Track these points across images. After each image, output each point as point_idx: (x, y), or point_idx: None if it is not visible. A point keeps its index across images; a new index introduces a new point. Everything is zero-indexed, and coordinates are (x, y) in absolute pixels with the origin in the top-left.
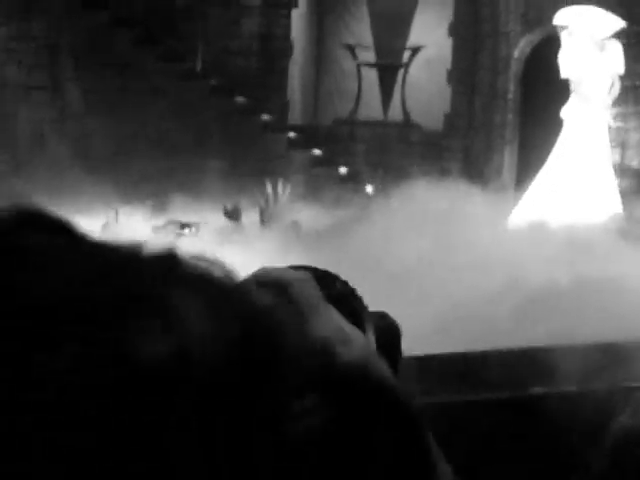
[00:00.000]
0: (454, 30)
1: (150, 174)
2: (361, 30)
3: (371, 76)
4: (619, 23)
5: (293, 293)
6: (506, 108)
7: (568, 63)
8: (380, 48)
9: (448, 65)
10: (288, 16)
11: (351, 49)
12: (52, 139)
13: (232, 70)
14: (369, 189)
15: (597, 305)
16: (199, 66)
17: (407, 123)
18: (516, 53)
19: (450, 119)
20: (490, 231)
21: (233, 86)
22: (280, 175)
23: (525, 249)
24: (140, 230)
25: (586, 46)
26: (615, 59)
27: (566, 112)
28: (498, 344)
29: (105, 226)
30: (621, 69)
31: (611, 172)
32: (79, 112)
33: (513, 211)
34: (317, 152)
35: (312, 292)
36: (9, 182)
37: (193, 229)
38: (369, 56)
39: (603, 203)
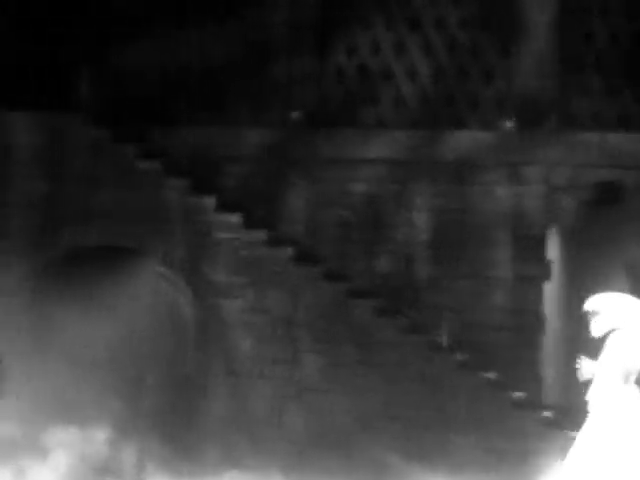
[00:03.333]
0: None
1: (390, 452)
2: None
3: None
4: None
5: None
6: None
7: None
8: None
9: None
10: (540, 289)
11: None
12: (290, 414)
13: (481, 344)
14: None
15: None
16: (445, 339)
17: None
18: None
19: None
20: None
21: (482, 361)
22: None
23: None
24: None
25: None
26: None
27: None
28: None
29: None
30: None
31: None
32: (318, 386)
33: None
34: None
35: None
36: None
37: None
38: None
39: None
